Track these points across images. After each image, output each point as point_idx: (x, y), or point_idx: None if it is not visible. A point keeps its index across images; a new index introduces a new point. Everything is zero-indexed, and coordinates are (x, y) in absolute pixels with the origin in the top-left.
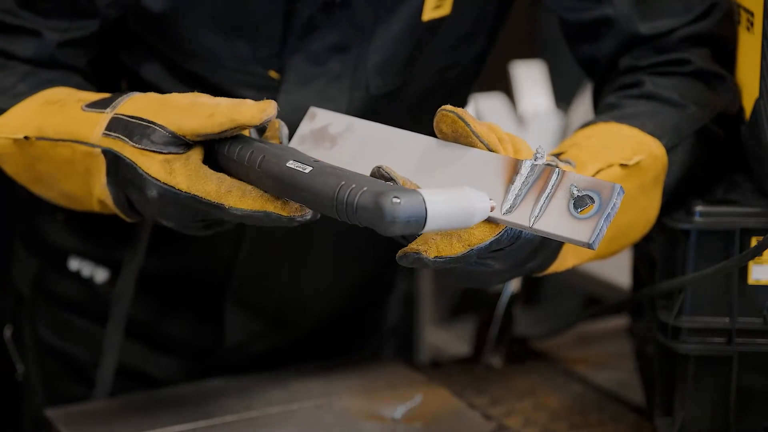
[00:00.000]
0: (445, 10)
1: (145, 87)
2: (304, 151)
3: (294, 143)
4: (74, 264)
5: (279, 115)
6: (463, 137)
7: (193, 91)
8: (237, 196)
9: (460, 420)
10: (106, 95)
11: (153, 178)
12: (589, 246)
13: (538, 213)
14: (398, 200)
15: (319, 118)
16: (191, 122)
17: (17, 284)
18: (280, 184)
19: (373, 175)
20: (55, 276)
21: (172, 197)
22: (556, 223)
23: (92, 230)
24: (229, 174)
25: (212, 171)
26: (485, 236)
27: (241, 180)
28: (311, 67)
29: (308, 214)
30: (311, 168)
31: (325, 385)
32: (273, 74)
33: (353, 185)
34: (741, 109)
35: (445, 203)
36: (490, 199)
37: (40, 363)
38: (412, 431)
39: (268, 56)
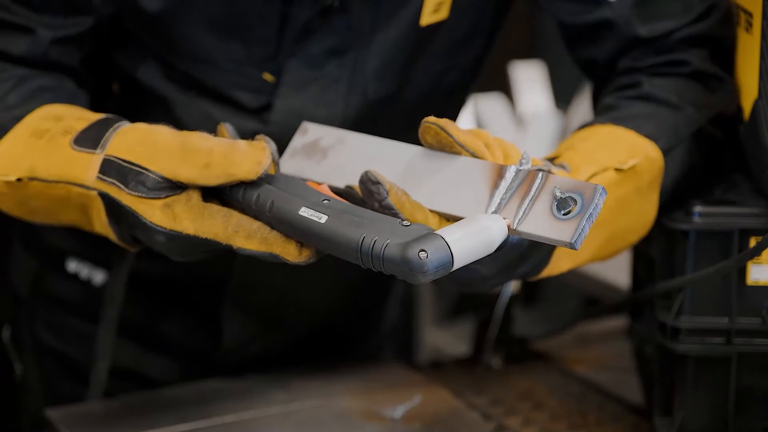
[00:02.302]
0: (443, 14)
1: (138, 89)
2: (296, 165)
3: (286, 157)
4: (72, 265)
5: (276, 119)
6: (448, 147)
7: (187, 93)
8: (244, 237)
9: (459, 420)
10: (93, 119)
11: (158, 226)
12: (571, 246)
13: (522, 216)
14: (425, 253)
15: (311, 133)
16: (186, 172)
17: (16, 285)
18: (295, 231)
19: (361, 180)
20: (54, 277)
21: (180, 240)
22: (539, 224)
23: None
24: (233, 208)
25: (216, 207)
26: None
27: (247, 214)
28: (308, 70)
29: (315, 256)
30: (326, 217)
31: (325, 385)
32: (267, 77)
33: (376, 237)
34: (740, 110)
35: (467, 239)
36: (504, 218)
37: (38, 363)
38: (411, 431)
39: (263, 58)
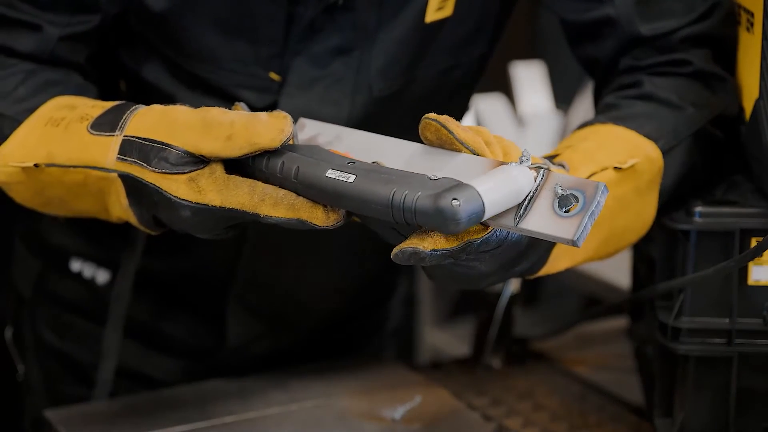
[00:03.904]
0: (447, 11)
1: (144, 87)
2: None
3: None
4: (76, 265)
5: None
6: (448, 144)
7: (194, 92)
8: (270, 205)
9: (459, 421)
10: (108, 106)
11: (183, 200)
12: (574, 243)
13: (523, 213)
14: (457, 202)
15: (309, 129)
16: (209, 145)
17: (18, 285)
18: (324, 194)
19: None
20: (57, 277)
21: (206, 213)
22: (541, 222)
23: (94, 231)
24: (257, 179)
25: (241, 179)
26: (479, 233)
27: (272, 183)
28: (313, 69)
29: (342, 220)
30: (355, 176)
31: (325, 385)
32: (274, 76)
33: (406, 191)
34: (741, 110)
35: (497, 189)
36: (530, 168)
37: (40, 364)
38: None
39: (269, 58)
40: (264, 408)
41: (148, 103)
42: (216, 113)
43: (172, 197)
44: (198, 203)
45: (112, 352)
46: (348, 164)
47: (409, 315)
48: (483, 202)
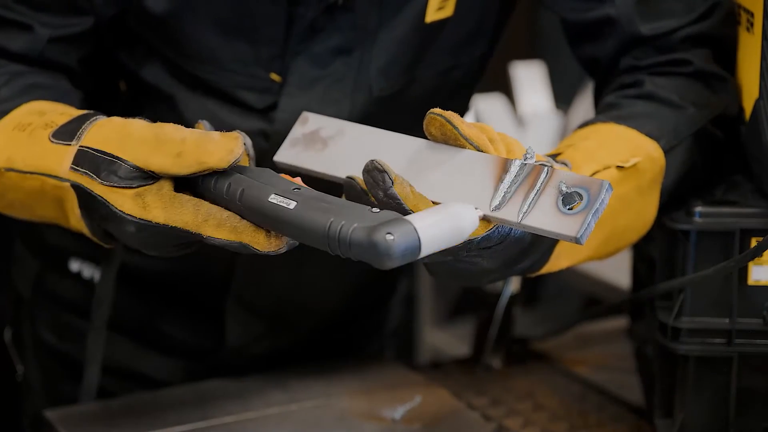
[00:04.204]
0: (448, 11)
1: (144, 88)
2: (296, 155)
3: (285, 146)
4: (75, 265)
5: (282, 118)
6: (452, 140)
7: (194, 93)
8: (213, 226)
9: (459, 421)
10: (75, 114)
11: (128, 215)
12: (577, 240)
13: (527, 209)
14: (391, 236)
15: (311, 122)
16: (158, 161)
17: (17, 285)
18: (265, 219)
19: (366, 168)
20: (56, 277)
21: (150, 230)
22: (545, 218)
23: None
24: (205, 199)
25: (187, 197)
26: (479, 230)
27: (218, 204)
28: (314, 69)
29: (285, 246)
30: (295, 203)
31: (325, 385)
32: (274, 77)
33: (343, 222)
34: (741, 110)
35: (436, 225)
36: (476, 208)
37: (39, 364)
38: None
39: (270, 58)
40: (264, 408)
41: (148, 105)
42: (169, 130)
43: (117, 211)
44: (141, 219)
45: (96, 356)
46: (293, 190)
47: (409, 315)
48: (419, 238)
